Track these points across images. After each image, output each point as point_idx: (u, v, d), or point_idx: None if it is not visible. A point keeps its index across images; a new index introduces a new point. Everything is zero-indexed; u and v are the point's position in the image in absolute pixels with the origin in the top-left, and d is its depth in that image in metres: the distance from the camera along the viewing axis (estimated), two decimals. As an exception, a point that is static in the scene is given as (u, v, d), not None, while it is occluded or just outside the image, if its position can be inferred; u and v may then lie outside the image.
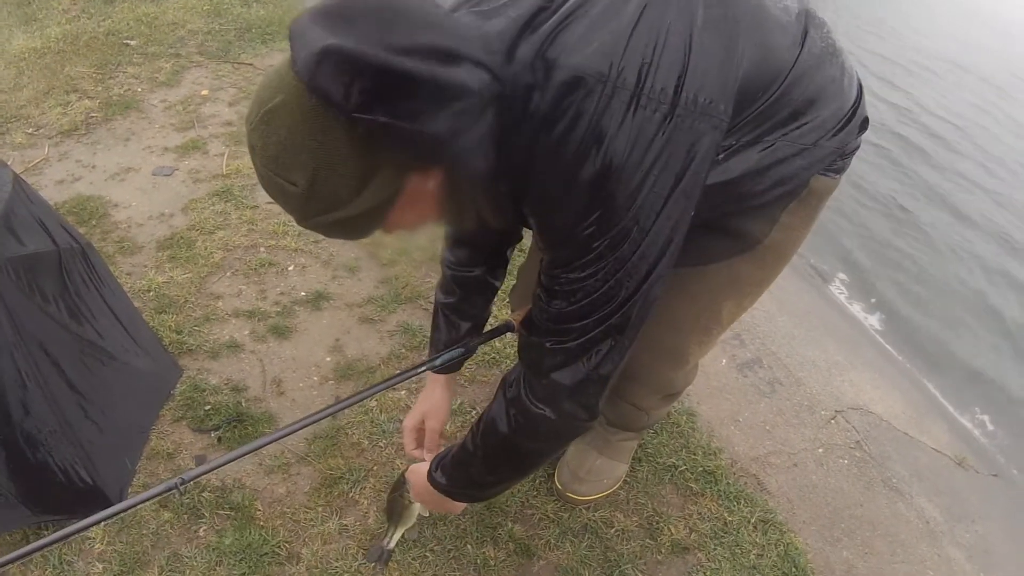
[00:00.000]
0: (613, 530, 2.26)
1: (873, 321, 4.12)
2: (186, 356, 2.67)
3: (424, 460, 1.88)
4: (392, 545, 1.99)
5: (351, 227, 1.14)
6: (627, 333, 1.32)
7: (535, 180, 1.20)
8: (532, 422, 1.44)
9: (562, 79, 1.12)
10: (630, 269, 1.23)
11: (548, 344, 1.34)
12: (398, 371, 2.47)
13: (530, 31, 1.15)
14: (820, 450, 2.69)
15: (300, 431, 1.73)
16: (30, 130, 4.00)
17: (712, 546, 2.25)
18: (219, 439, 2.39)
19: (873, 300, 4.29)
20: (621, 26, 1.13)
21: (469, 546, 2.16)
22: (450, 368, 1.92)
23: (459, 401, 2.55)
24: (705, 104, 1.16)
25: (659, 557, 2.21)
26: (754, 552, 2.25)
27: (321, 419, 1.69)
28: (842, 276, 4.48)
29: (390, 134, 1.00)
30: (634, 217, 1.17)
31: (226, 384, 2.58)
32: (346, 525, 2.20)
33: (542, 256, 1.32)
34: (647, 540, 2.25)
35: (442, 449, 1.74)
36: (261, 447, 1.69)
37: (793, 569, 2.22)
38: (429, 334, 1.95)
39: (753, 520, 2.33)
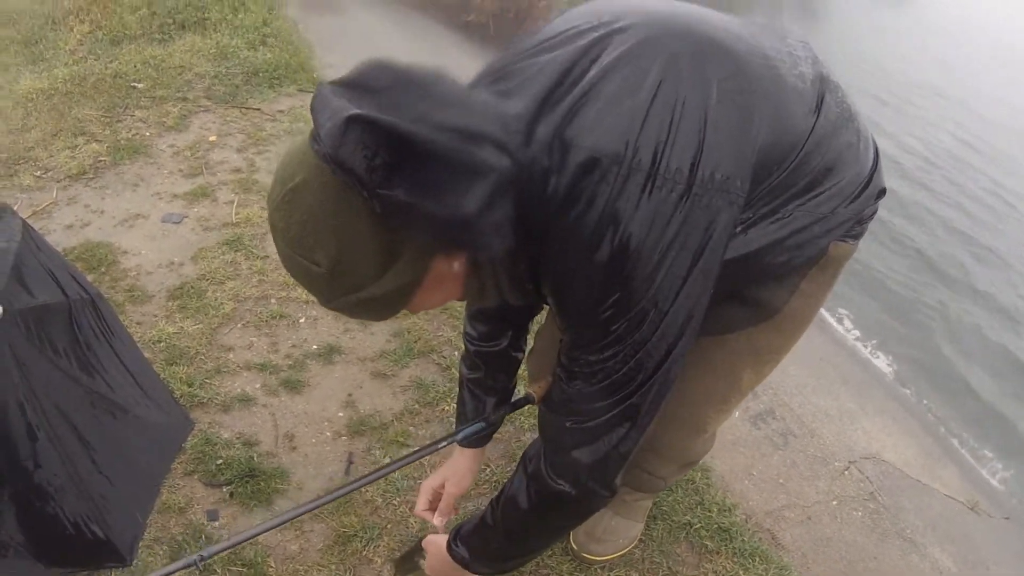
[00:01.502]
0: None
1: (884, 364, 4.13)
2: (198, 409, 2.66)
3: (434, 524, 1.91)
4: None
5: (376, 308, 1.15)
6: (647, 412, 1.31)
7: (553, 262, 1.21)
8: (552, 498, 1.43)
9: (578, 161, 1.12)
10: (650, 350, 1.22)
11: (568, 424, 1.34)
12: (411, 429, 2.53)
13: (548, 110, 1.16)
14: (834, 503, 2.70)
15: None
16: (38, 172, 3.99)
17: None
18: (231, 494, 2.39)
19: (885, 343, 4.31)
20: (637, 104, 1.13)
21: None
22: (475, 442, 1.90)
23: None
24: (722, 181, 1.16)
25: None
26: None
27: (342, 495, 1.72)
28: (853, 319, 4.49)
29: (412, 213, 1.00)
30: (653, 299, 1.17)
31: (238, 438, 2.58)
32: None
33: (561, 336, 1.32)
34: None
35: (454, 517, 1.74)
36: (283, 523, 1.70)
37: None
38: (455, 401, 1.97)
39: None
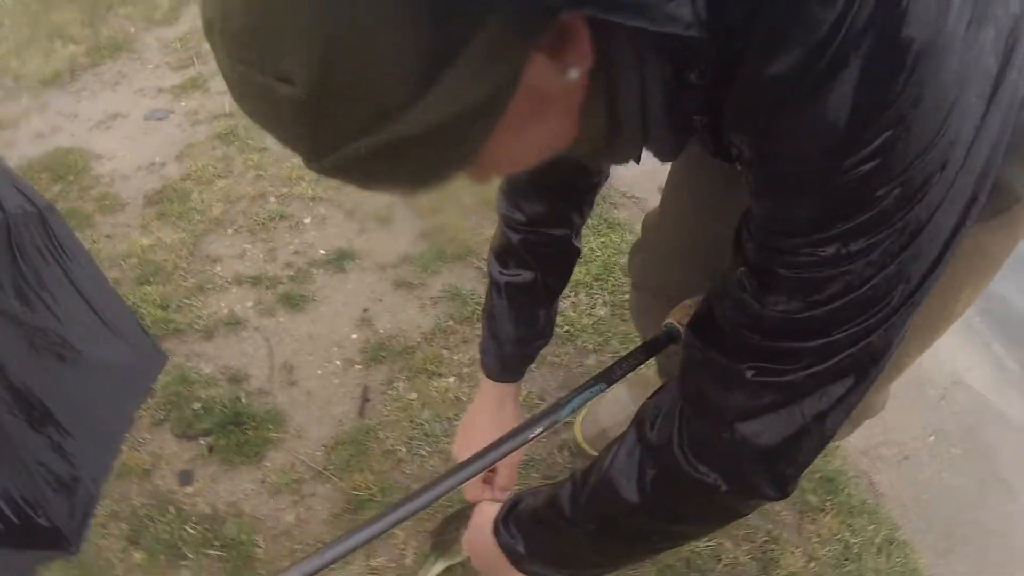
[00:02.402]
0: (721, 564, 1.73)
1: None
2: (172, 338, 2.09)
3: (498, 496, 1.35)
4: None
5: (408, 166, 0.61)
6: (882, 362, 0.78)
7: (769, 67, 0.63)
8: (682, 492, 0.90)
9: None
10: (923, 244, 0.69)
11: (750, 372, 0.78)
12: (445, 352, 1.94)
13: None
14: (931, 438, 2.15)
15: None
16: (9, 82, 3.45)
17: (833, 579, 1.77)
18: (210, 448, 1.83)
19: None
20: None
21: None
22: (513, 370, 1.37)
23: (525, 391, 1.92)
24: None
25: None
26: None
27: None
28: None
29: None
30: (944, 148, 0.64)
31: (222, 373, 2.00)
32: (376, 568, 1.63)
33: (751, 212, 0.76)
34: (759, 576, 1.74)
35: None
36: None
37: None
38: (483, 327, 1.37)
39: (878, 541, 1.83)
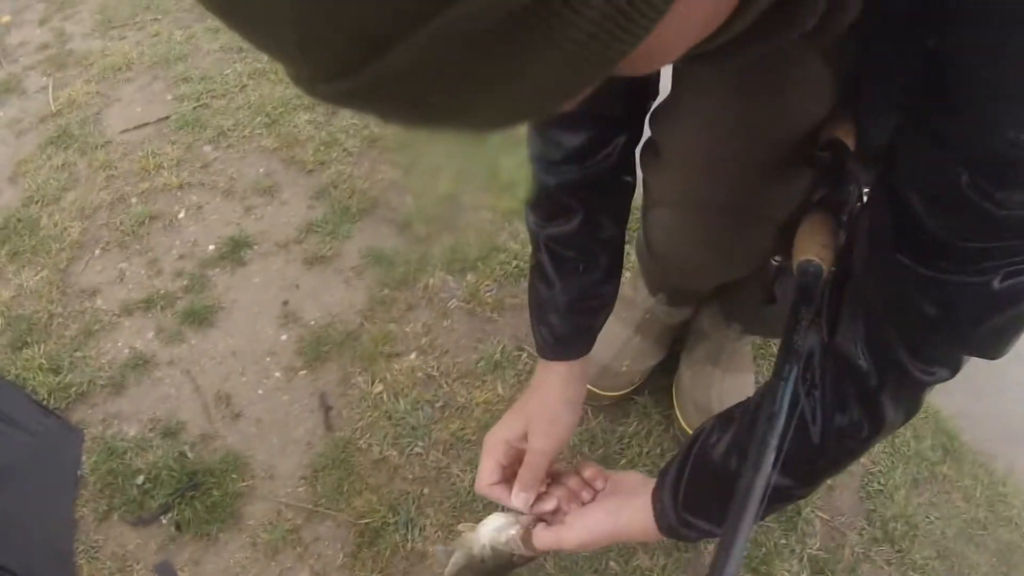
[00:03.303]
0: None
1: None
2: (78, 406, 1.76)
3: (511, 505, 1.15)
4: None
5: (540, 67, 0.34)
6: None
7: None
8: (916, 402, 0.87)
9: None
10: None
11: (997, 281, 0.68)
12: (393, 327, 1.68)
13: None
14: None
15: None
16: None
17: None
18: (177, 525, 1.55)
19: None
20: None
21: (612, 562, 1.42)
22: (572, 344, 1.16)
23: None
24: None
25: (829, 482, 1.64)
26: (910, 435, 1.75)
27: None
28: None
29: None
30: None
31: (152, 429, 1.70)
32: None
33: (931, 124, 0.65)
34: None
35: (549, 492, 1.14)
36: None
37: (948, 441, 1.76)
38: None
39: None
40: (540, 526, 1.11)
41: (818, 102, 0.95)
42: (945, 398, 1.82)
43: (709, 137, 1.06)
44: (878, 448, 1.69)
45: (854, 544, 1.59)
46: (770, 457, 0.76)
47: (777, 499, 0.87)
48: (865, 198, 0.88)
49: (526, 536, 1.11)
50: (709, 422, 0.99)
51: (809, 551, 1.56)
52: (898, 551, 1.59)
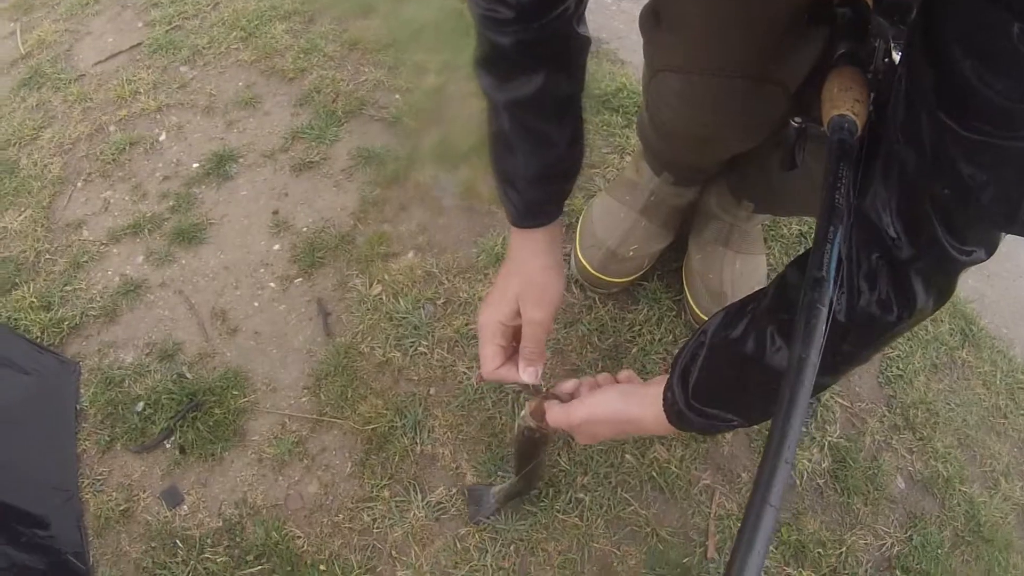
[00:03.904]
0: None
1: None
2: (72, 339, 1.69)
3: (521, 382, 1.14)
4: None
5: None
6: None
7: None
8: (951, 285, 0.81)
9: None
10: None
11: None
12: (387, 228, 1.66)
13: None
14: None
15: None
16: None
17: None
18: (180, 449, 1.49)
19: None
20: None
21: (628, 455, 1.38)
22: (542, 212, 1.10)
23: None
24: None
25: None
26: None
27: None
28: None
29: None
30: None
31: (148, 354, 1.64)
32: (440, 503, 1.37)
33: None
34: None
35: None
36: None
37: (967, 326, 1.73)
38: (492, 164, 1.09)
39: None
40: (556, 404, 1.10)
41: None
42: (959, 281, 1.74)
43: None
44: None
45: (875, 431, 1.54)
46: (821, 327, 0.68)
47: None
48: (893, 54, 0.80)
49: (538, 410, 1.11)
50: (720, 312, 0.95)
51: (830, 439, 1.51)
52: (919, 439, 1.55)
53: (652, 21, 1.12)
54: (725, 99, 1.08)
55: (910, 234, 0.74)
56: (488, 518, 1.33)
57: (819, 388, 0.87)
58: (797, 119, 0.96)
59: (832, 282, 0.71)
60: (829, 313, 0.69)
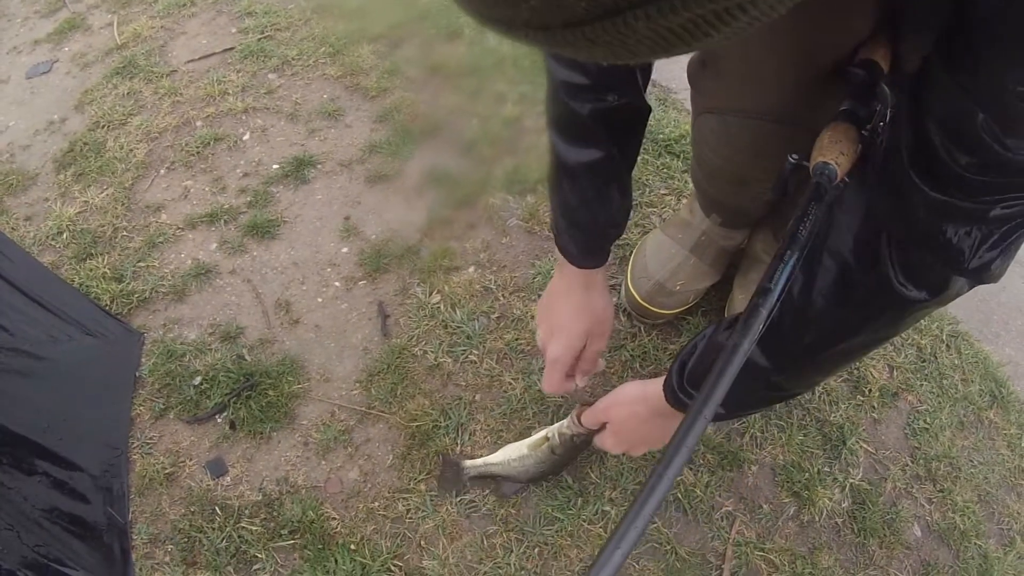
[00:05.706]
0: (818, 395, 1.67)
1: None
2: (140, 311, 1.78)
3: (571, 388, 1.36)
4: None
5: None
6: None
7: None
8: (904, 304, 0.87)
9: None
10: None
11: (996, 210, 0.73)
12: (453, 243, 1.68)
13: None
14: None
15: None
16: None
17: (918, 383, 1.74)
18: (231, 424, 1.56)
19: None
20: None
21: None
22: (598, 253, 1.26)
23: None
24: None
25: (874, 415, 1.67)
26: (958, 377, 1.76)
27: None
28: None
29: None
30: None
31: (212, 334, 1.71)
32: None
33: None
34: (857, 397, 1.69)
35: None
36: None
37: (997, 388, 1.75)
38: (555, 209, 1.24)
39: (944, 337, 1.82)
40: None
41: (862, 18, 0.95)
42: (994, 346, 1.82)
43: (753, 49, 1.08)
44: (926, 387, 1.70)
45: (896, 478, 1.57)
46: (759, 325, 0.78)
47: (769, 387, 1.00)
48: (889, 119, 0.89)
49: (580, 415, 1.29)
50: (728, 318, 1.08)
51: (852, 481, 1.54)
52: (940, 491, 1.57)
53: (699, 69, 1.21)
54: (761, 142, 1.18)
55: (861, 258, 0.85)
56: (453, 492, 1.43)
57: (789, 392, 1.05)
58: (794, 155, 1.04)
59: (777, 294, 0.79)
60: (768, 317, 0.78)
